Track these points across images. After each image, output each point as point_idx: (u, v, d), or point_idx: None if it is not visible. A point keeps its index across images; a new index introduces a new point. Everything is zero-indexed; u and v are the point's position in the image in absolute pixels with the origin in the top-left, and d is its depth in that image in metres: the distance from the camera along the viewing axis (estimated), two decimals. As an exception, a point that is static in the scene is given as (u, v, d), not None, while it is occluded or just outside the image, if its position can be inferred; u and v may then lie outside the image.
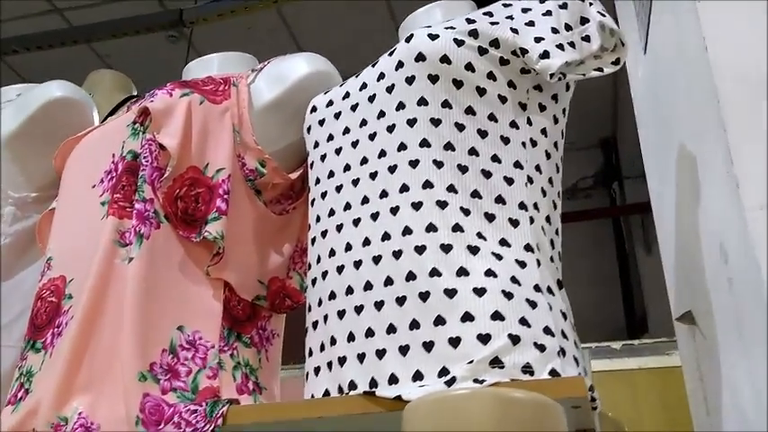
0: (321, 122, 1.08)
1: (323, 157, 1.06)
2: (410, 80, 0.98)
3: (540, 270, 0.91)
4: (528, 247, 0.92)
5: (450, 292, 0.85)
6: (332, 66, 1.19)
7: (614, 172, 5.12)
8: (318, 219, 1.03)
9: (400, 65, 1.00)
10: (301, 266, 1.14)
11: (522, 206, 0.94)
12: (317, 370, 0.95)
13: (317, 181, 1.05)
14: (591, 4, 1.02)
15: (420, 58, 0.98)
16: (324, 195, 1.03)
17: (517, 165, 0.97)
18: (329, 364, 0.93)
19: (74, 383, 0.92)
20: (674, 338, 2.51)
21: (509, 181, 0.95)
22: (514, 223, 0.93)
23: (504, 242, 0.91)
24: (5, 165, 1.20)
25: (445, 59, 0.97)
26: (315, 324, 0.98)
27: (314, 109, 1.11)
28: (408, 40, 1.00)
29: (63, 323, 0.99)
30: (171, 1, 3.49)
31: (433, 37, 0.99)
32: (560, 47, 0.98)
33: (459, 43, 0.98)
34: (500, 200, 0.94)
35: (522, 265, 0.90)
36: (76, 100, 1.23)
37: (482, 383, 0.78)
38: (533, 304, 0.86)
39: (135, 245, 0.98)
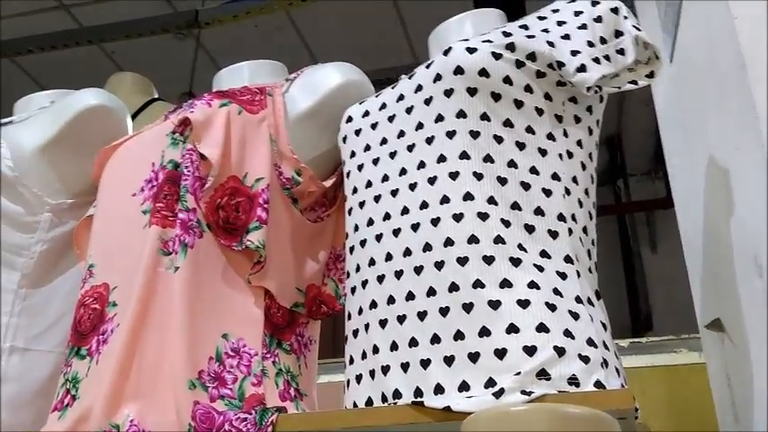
0: (357, 132, 1.10)
1: (360, 167, 1.07)
2: (449, 93, 1.00)
3: (580, 281, 0.92)
4: (568, 259, 0.93)
5: (495, 304, 0.87)
6: (364, 75, 1.21)
7: (619, 170, 5.14)
8: (357, 228, 1.04)
9: (438, 77, 1.01)
10: (335, 273, 1.16)
11: (561, 218, 0.96)
12: (358, 378, 0.97)
13: (355, 190, 1.07)
14: (626, 17, 1.04)
15: (458, 71, 0.99)
16: (362, 205, 1.05)
17: (555, 176, 0.98)
18: (371, 373, 0.95)
19: (123, 391, 0.94)
20: (682, 336, 2.51)
21: (547, 193, 0.97)
22: (554, 235, 0.95)
23: (544, 254, 0.93)
24: (42, 171, 1.21)
25: (483, 73, 0.99)
26: (355, 332, 0.99)
27: (349, 119, 1.12)
28: (446, 53, 1.02)
29: (108, 330, 1.00)
30: (179, 1, 3.50)
31: (471, 50, 1.00)
32: (596, 60, 1.00)
33: (497, 57, 0.99)
34: (539, 211, 0.95)
35: (563, 276, 0.92)
36: (112, 108, 1.24)
37: (530, 395, 0.80)
38: (576, 316, 0.88)
39: (180, 254, 1.00)
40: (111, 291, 1.04)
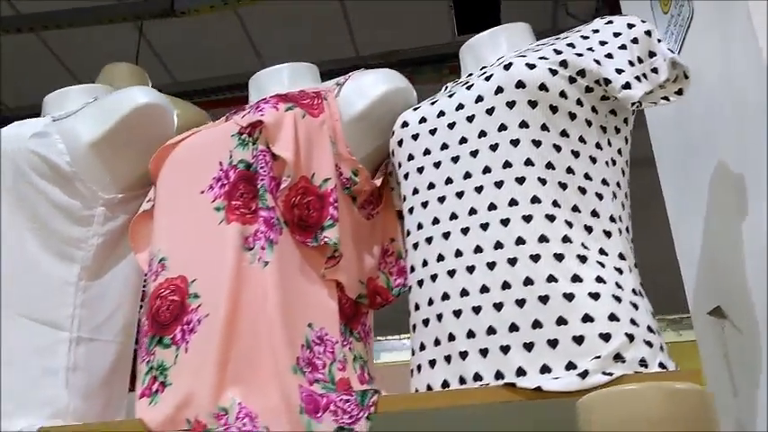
0: (415, 137, 1.19)
1: (420, 170, 1.16)
2: (511, 104, 1.10)
3: (632, 275, 1.05)
4: (621, 256, 1.06)
5: (569, 296, 0.99)
6: (408, 82, 1.30)
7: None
8: (420, 226, 1.13)
9: (500, 90, 1.11)
10: (385, 267, 1.25)
11: (612, 219, 1.08)
12: (431, 362, 1.06)
13: (415, 191, 1.16)
14: (659, 40, 1.16)
15: (520, 85, 1.10)
16: (425, 205, 1.14)
17: (604, 182, 1.10)
18: (446, 358, 1.04)
19: (225, 377, 1.00)
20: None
21: (599, 197, 1.09)
22: (608, 234, 1.07)
23: (602, 251, 1.05)
24: (95, 166, 1.25)
25: (543, 87, 1.09)
26: (426, 321, 1.09)
27: (405, 124, 1.21)
28: (507, 67, 1.12)
29: (194, 320, 1.06)
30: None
31: (531, 66, 1.11)
32: (638, 78, 1.12)
33: (554, 73, 1.10)
34: (595, 213, 1.07)
35: (620, 271, 1.04)
36: (161, 106, 1.29)
37: (611, 375, 0.92)
38: (635, 306, 1.01)
39: (267, 250, 1.07)
40: (189, 283, 1.10)
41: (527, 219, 1.04)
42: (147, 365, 1.08)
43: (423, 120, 1.19)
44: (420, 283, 1.11)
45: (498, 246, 1.05)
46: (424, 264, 1.11)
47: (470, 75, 1.28)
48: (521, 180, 1.06)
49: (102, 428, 1.02)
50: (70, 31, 2.99)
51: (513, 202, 1.06)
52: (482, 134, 1.11)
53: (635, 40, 1.16)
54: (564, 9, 3.95)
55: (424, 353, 1.08)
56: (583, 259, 1.02)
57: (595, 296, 0.99)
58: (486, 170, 1.09)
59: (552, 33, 1.27)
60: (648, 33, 1.16)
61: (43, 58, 3.72)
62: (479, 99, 1.13)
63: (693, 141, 1.42)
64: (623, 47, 1.15)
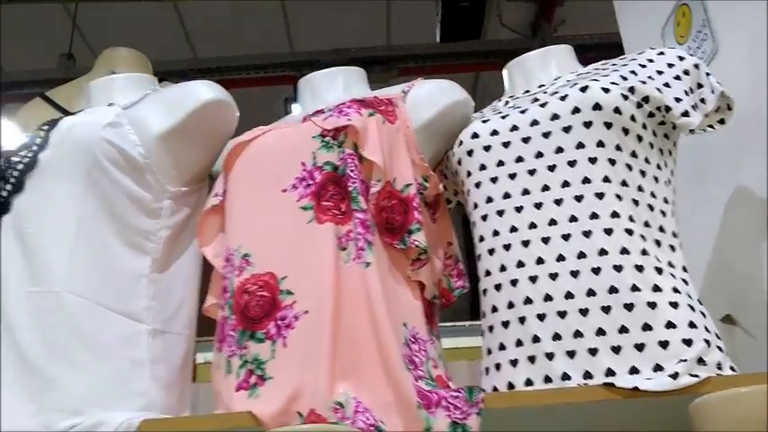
0: (486, 148, 1.26)
1: (493, 180, 1.23)
2: (588, 125, 1.19)
3: (693, 287, 1.16)
4: (684, 269, 1.17)
5: (652, 305, 1.08)
6: (467, 94, 1.36)
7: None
8: (497, 233, 1.20)
9: (577, 110, 1.20)
10: (445, 269, 1.31)
11: (674, 234, 1.20)
12: (513, 362, 1.14)
13: (489, 199, 1.23)
14: (707, 74, 1.28)
15: (597, 107, 1.19)
16: (500, 213, 1.21)
17: (665, 200, 1.22)
18: (530, 358, 1.12)
19: (334, 372, 1.04)
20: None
21: (663, 213, 1.20)
22: (672, 248, 1.18)
23: (670, 264, 1.15)
24: (163, 159, 1.24)
25: (617, 110, 1.19)
26: (505, 323, 1.16)
27: (475, 135, 1.27)
28: (584, 90, 1.21)
29: (289, 316, 1.09)
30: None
31: (606, 90, 1.20)
32: (694, 107, 1.24)
33: (625, 97, 1.20)
34: (661, 229, 1.18)
35: (686, 282, 1.15)
36: (228, 102, 1.30)
37: (697, 377, 1.02)
38: (704, 315, 1.12)
39: (367, 251, 1.11)
40: (279, 280, 1.13)
41: (608, 232, 1.13)
42: (241, 359, 1.10)
43: (495, 132, 1.26)
44: (498, 287, 1.18)
45: (581, 255, 1.13)
46: (502, 269, 1.18)
47: (527, 91, 1.36)
48: (600, 195, 1.16)
49: (210, 422, 1.03)
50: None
51: (594, 216, 1.15)
52: (559, 150, 1.20)
53: (686, 72, 1.27)
54: (498, 19, 4.12)
55: (504, 352, 1.15)
56: (659, 271, 1.12)
57: (675, 305, 1.09)
58: (566, 184, 1.18)
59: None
60: (697, 66, 1.29)
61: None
62: (555, 117, 1.21)
63: (712, 156, 1.54)
64: (678, 77, 1.26)
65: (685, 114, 1.22)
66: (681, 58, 1.29)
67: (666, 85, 1.25)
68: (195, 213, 1.31)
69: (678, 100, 1.23)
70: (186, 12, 4.31)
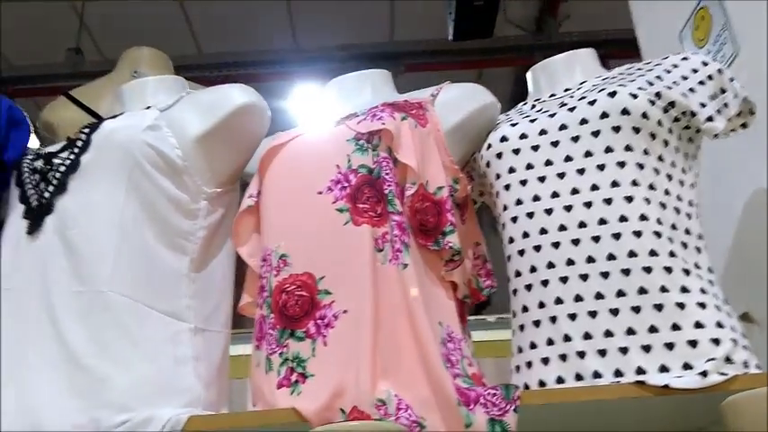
0: (516, 152, 1.29)
1: (523, 182, 1.27)
2: (616, 129, 1.22)
3: (719, 287, 1.20)
4: (710, 270, 1.21)
5: (681, 305, 1.12)
6: (494, 97, 1.40)
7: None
8: (527, 234, 1.24)
9: (605, 115, 1.23)
10: (473, 269, 1.34)
11: (699, 237, 1.23)
12: (545, 360, 1.17)
13: (519, 202, 1.26)
14: (731, 79, 1.32)
15: (625, 112, 1.22)
16: (530, 215, 1.24)
17: (690, 203, 1.25)
18: (562, 357, 1.16)
19: (375, 370, 1.07)
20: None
21: (688, 216, 1.24)
22: (698, 250, 1.21)
23: (697, 266, 1.19)
24: (199, 161, 1.27)
25: (645, 116, 1.22)
26: (536, 323, 1.19)
27: (504, 138, 1.31)
28: (612, 95, 1.24)
29: (329, 315, 1.12)
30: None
31: (634, 96, 1.23)
32: (719, 112, 1.28)
33: (652, 103, 1.24)
34: (688, 231, 1.22)
35: (712, 283, 1.19)
36: (261, 105, 1.33)
37: (725, 375, 1.06)
38: (729, 315, 1.16)
39: (404, 252, 1.14)
40: (317, 280, 1.16)
41: (637, 234, 1.17)
42: (281, 357, 1.13)
43: (523, 136, 1.29)
44: (528, 287, 1.22)
45: (611, 257, 1.17)
46: (533, 269, 1.22)
47: (553, 95, 1.39)
48: (629, 199, 1.19)
49: (255, 417, 1.06)
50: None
51: (623, 219, 1.18)
52: (588, 154, 1.23)
53: (710, 77, 1.31)
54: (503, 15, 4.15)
55: (535, 351, 1.19)
56: (687, 272, 1.16)
57: (702, 305, 1.13)
58: (595, 188, 1.21)
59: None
60: (720, 71, 1.32)
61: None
62: (584, 122, 1.25)
63: (732, 158, 1.57)
64: (702, 83, 1.30)
65: (710, 119, 1.26)
66: (705, 64, 1.32)
67: (691, 90, 1.28)
68: (228, 214, 1.34)
69: (703, 105, 1.27)
70: (191, 9, 4.33)
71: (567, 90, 1.38)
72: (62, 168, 1.24)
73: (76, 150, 1.25)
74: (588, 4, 4.10)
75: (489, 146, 1.33)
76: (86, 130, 1.27)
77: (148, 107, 1.32)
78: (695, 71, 1.31)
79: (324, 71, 4.00)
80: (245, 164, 1.38)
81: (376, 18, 4.24)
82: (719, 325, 1.12)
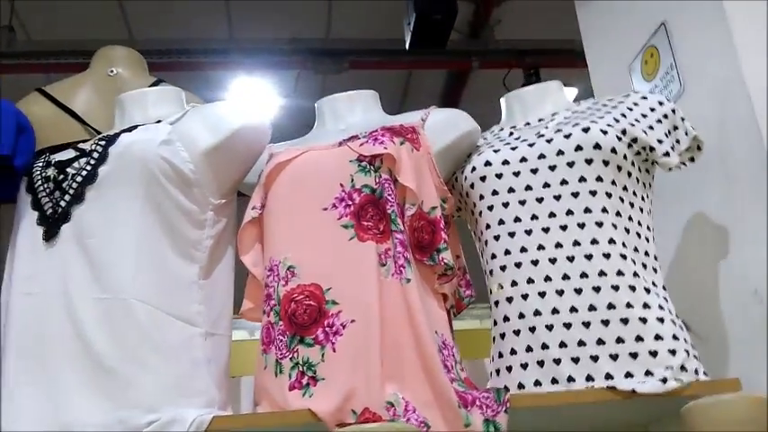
0: (498, 176, 1.43)
1: (505, 205, 1.41)
2: (589, 161, 1.38)
3: (671, 303, 1.38)
4: (664, 288, 1.39)
5: (643, 320, 1.29)
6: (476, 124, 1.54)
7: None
8: (508, 252, 1.38)
9: (579, 148, 1.39)
10: (456, 281, 1.47)
11: (655, 258, 1.41)
12: (523, 365, 1.32)
13: (501, 222, 1.41)
14: (682, 118, 1.50)
15: (597, 146, 1.38)
16: (512, 235, 1.39)
17: (648, 228, 1.43)
18: (539, 362, 1.31)
19: (383, 375, 1.19)
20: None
21: (647, 240, 1.41)
22: (655, 270, 1.39)
23: (654, 284, 1.36)
24: (207, 174, 1.35)
25: (614, 150, 1.39)
26: (516, 332, 1.34)
27: (488, 163, 1.45)
28: (586, 131, 1.40)
29: (336, 324, 1.23)
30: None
31: (604, 132, 1.40)
32: (672, 148, 1.46)
33: (619, 139, 1.40)
34: (647, 254, 1.39)
35: (666, 300, 1.37)
36: (264, 124, 1.42)
37: (681, 381, 1.24)
38: (682, 328, 1.34)
39: (407, 268, 1.27)
40: (324, 291, 1.27)
41: (606, 256, 1.33)
42: (292, 361, 1.23)
43: (506, 161, 1.44)
44: (509, 299, 1.37)
45: (584, 275, 1.33)
46: (514, 284, 1.37)
47: (528, 123, 1.54)
48: (599, 224, 1.35)
49: (274, 418, 1.17)
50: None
51: (594, 242, 1.34)
52: (564, 182, 1.39)
53: (665, 116, 1.48)
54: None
55: (515, 357, 1.34)
56: (647, 291, 1.33)
57: (661, 320, 1.30)
58: (570, 212, 1.37)
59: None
60: (674, 111, 1.50)
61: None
62: (560, 153, 1.40)
63: (676, 184, 1.76)
64: (659, 121, 1.47)
65: (666, 154, 1.44)
66: (660, 103, 1.50)
67: (650, 127, 1.46)
68: (229, 223, 1.42)
69: (660, 141, 1.45)
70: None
71: (540, 120, 1.54)
72: (78, 179, 1.30)
73: (93, 162, 1.31)
74: (519, 11, 4.30)
75: (474, 168, 1.47)
76: (103, 143, 1.33)
77: (159, 121, 1.39)
78: (653, 110, 1.49)
79: (266, 64, 4.06)
80: (246, 175, 1.46)
81: (313, 15, 4.32)
82: (675, 337, 1.29)
